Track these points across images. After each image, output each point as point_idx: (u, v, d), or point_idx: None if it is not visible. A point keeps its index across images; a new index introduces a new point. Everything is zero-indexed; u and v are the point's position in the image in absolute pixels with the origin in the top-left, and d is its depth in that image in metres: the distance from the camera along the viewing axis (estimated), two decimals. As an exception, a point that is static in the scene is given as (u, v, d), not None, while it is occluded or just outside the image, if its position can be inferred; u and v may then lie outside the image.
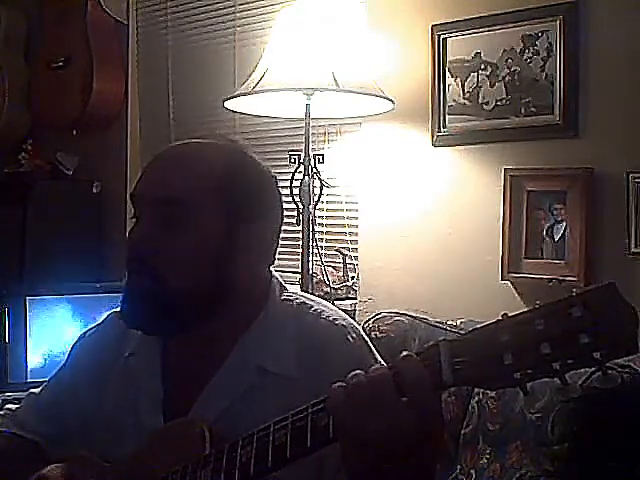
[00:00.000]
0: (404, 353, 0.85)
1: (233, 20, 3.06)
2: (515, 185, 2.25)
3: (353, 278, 2.66)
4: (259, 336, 1.17)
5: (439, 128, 2.42)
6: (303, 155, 2.39)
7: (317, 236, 2.49)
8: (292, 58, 2.26)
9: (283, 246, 2.79)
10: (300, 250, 2.39)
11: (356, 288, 2.65)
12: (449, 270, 2.41)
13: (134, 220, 1.17)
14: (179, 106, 3.30)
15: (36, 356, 2.66)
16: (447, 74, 2.40)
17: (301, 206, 2.38)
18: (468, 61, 2.36)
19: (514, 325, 0.81)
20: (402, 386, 0.83)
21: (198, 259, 1.13)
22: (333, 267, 2.68)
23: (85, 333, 1.36)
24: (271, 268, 1.26)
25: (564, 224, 2.17)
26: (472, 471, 1.85)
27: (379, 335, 2.20)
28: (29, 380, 2.61)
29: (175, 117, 3.31)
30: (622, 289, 0.79)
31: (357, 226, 2.67)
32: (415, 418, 0.82)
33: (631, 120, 2.08)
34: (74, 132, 3.44)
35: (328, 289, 2.59)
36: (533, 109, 2.23)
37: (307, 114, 2.35)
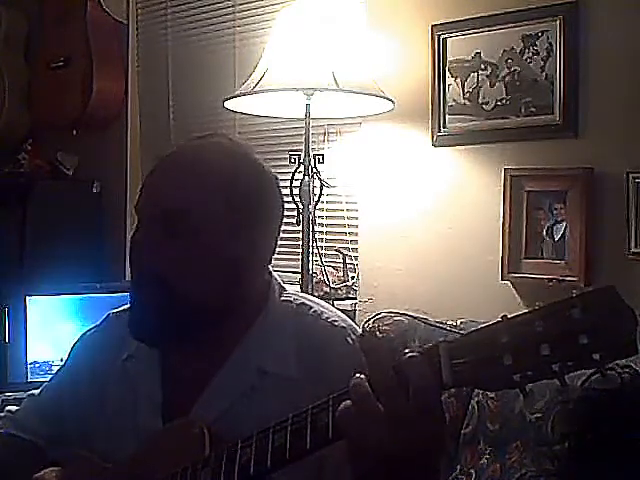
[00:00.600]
0: (409, 353, 0.85)
1: (233, 20, 3.06)
2: (515, 185, 2.25)
3: (353, 278, 2.66)
4: (259, 337, 1.17)
5: (439, 128, 2.42)
6: (303, 155, 2.39)
7: (317, 236, 2.49)
8: (292, 58, 2.27)
9: (283, 246, 2.80)
10: (300, 250, 2.39)
11: (356, 288, 2.65)
12: (449, 270, 2.41)
13: (137, 230, 1.15)
14: (179, 106, 3.30)
15: (36, 356, 2.66)
16: (447, 74, 2.40)
17: (301, 206, 2.38)
18: (468, 61, 2.36)
19: (513, 326, 0.81)
20: (406, 387, 0.83)
21: (209, 268, 1.12)
22: (333, 267, 2.68)
23: (84, 334, 1.36)
24: (270, 269, 1.26)
25: (564, 224, 2.17)
26: (472, 471, 1.85)
27: (379, 335, 2.20)
28: (29, 380, 2.61)
29: (175, 117, 3.32)
30: (622, 289, 0.79)
31: (357, 226, 2.67)
32: (418, 421, 0.82)
33: (631, 120, 2.08)
34: (74, 132, 3.44)
35: (328, 289, 2.60)
36: (533, 109, 2.23)
37: (307, 114, 2.35)
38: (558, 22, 2.16)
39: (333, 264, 2.69)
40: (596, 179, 2.12)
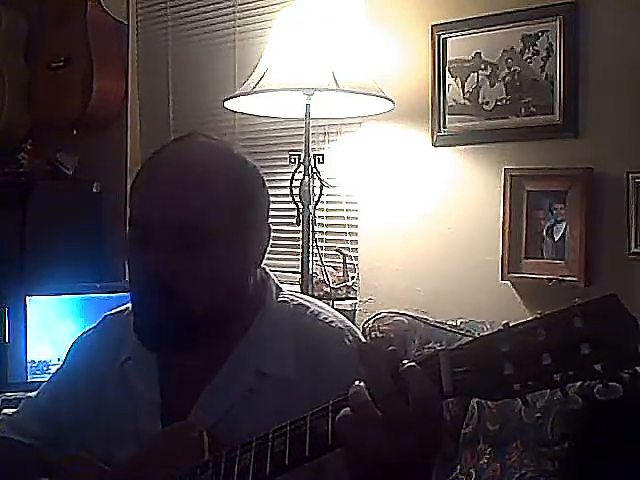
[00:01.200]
0: (407, 364, 0.84)
1: (233, 20, 3.05)
2: (515, 185, 2.25)
3: (353, 278, 2.66)
4: (256, 339, 1.17)
5: (439, 128, 2.42)
6: (303, 155, 2.39)
7: (317, 236, 2.49)
8: (292, 58, 2.26)
9: (283, 246, 2.80)
10: (300, 250, 2.39)
11: (356, 288, 2.65)
12: (449, 270, 2.41)
13: (138, 242, 1.11)
14: (179, 106, 3.30)
15: (36, 356, 2.66)
16: (447, 74, 2.40)
17: (301, 206, 2.38)
18: (468, 61, 2.36)
19: (515, 335, 0.80)
20: (406, 394, 0.82)
21: (221, 275, 1.12)
22: (333, 267, 2.68)
23: (81, 336, 1.35)
24: (267, 269, 1.26)
25: (564, 224, 2.17)
26: (472, 471, 1.85)
27: (379, 335, 2.20)
28: (29, 380, 2.61)
29: (175, 117, 3.31)
30: (622, 289, 0.79)
31: (357, 226, 2.67)
32: (417, 428, 0.81)
33: (631, 120, 2.08)
34: (74, 132, 3.43)
35: (328, 289, 2.59)
36: (533, 109, 2.23)
37: (307, 114, 2.35)
38: (558, 22, 2.16)
39: (333, 264, 2.69)
40: (596, 179, 2.12)
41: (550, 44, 2.18)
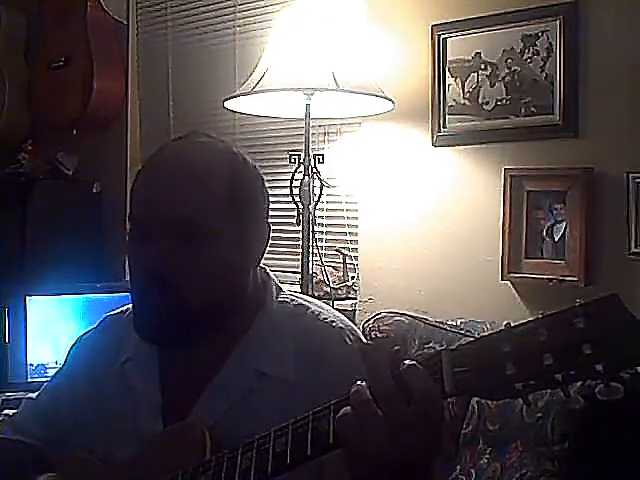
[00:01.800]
0: (408, 363, 0.84)
1: (233, 20, 3.06)
2: (515, 185, 2.25)
3: (353, 278, 2.66)
4: (257, 339, 1.17)
5: (439, 128, 2.42)
6: (303, 155, 2.39)
7: (317, 236, 2.49)
8: (292, 58, 2.26)
9: (283, 246, 2.80)
10: (300, 250, 2.39)
11: (356, 288, 2.65)
12: (449, 270, 2.41)
13: (142, 238, 1.12)
14: (179, 106, 3.30)
15: (36, 356, 2.66)
16: (447, 74, 2.40)
17: (301, 206, 2.38)
18: (468, 61, 2.36)
19: (516, 335, 0.80)
20: (407, 394, 0.82)
21: (220, 272, 1.12)
22: (333, 267, 2.68)
23: (81, 337, 1.36)
24: (268, 269, 1.26)
25: (564, 224, 2.17)
26: (472, 471, 1.85)
27: (379, 335, 2.20)
28: (29, 380, 2.61)
29: (175, 117, 3.31)
30: (622, 289, 0.79)
31: (357, 226, 2.67)
32: (418, 428, 0.82)
33: (631, 120, 2.08)
34: (74, 132, 3.43)
35: (328, 289, 2.59)
36: (533, 109, 2.23)
37: (307, 114, 2.35)
38: (558, 22, 2.16)
39: (333, 264, 2.69)
40: (596, 179, 2.12)
41: (550, 44, 2.18)
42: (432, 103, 2.43)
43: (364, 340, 1.20)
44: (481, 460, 1.84)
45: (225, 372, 1.16)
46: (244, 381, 1.14)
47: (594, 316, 0.77)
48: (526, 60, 2.23)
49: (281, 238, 2.78)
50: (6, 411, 2.27)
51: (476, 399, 1.89)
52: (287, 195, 2.47)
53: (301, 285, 2.37)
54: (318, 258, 2.52)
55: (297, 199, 2.40)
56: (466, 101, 2.37)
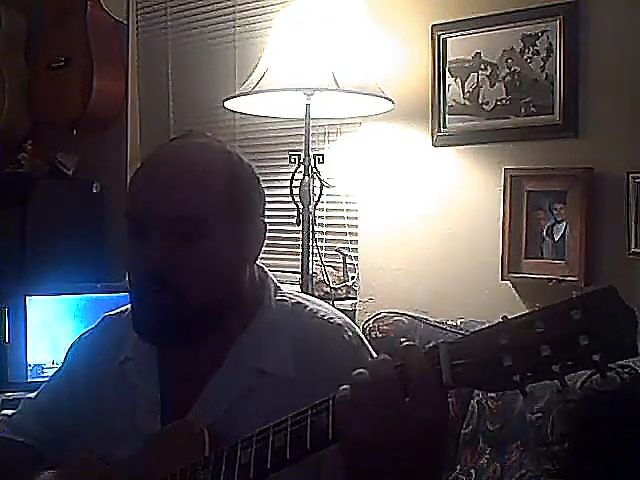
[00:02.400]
0: (405, 343, 0.86)
1: (233, 20, 3.06)
2: (515, 185, 2.25)
3: (353, 278, 2.66)
4: (255, 337, 1.17)
5: (439, 128, 2.42)
6: (303, 155, 2.39)
7: (317, 236, 2.49)
8: (292, 58, 2.26)
9: (283, 246, 2.80)
10: (300, 250, 2.39)
11: (356, 288, 2.65)
12: (449, 270, 2.41)
13: (142, 237, 1.12)
14: (179, 106, 3.30)
15: (36, 356, 2.66)
16: (447, 74, 2.40)
17: (301, 206, 2.38)
18: (468, 61, 2.36)
19: (514, 328, 0.81)
20: (406, 380, 0.83)
21: (216, 269, 1.12)
22: (333, 267, 2.68)
23: (80, 337, 1.36)
24: (266, 268, 1.26)
25: (564, 224, 2.17)
26: (472, 471, 1.85)
27: (379, 335, 2.20)
28: (29, 380, 2.61)
29: (175, 117, 3.32)
30: (622, 289, 0.79)
31: (357, 226, 2.67)
32: (417, 415, 0.82)
33: (631, 120, 2.08)
34: (74, 132, 3.44)
35: (328, 289, 2.59)
36: (533, 109, 2.23)
37: (307, 114, 2.35)
38: (558, 22, 2.16)
39: (333, 264, 2.69)
40: (596, 179, 2.12)
41: (550, 44, 2.18)
42: (432, 103, 2.43)
43: (362, 336, 1.20)
44: (481, 460, 1.84)
45: (224, 371, 1.16)
46: (243, 380, 1.14)
47: (591, 308, 0.78)
48: (526, 60, 2.23)
49: (281, 238, 2.78)
50: (5, 411, 2.27)
51: (476, 399, 1.89)
52: (287, 195, 2.48)
53: (301, 285, 2.37)
54: (318, 258, 2.52)
55: (297, 199, 2.40)
56: (466, 101, 2.37)
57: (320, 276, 2.58)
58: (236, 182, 1.16)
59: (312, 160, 2.39)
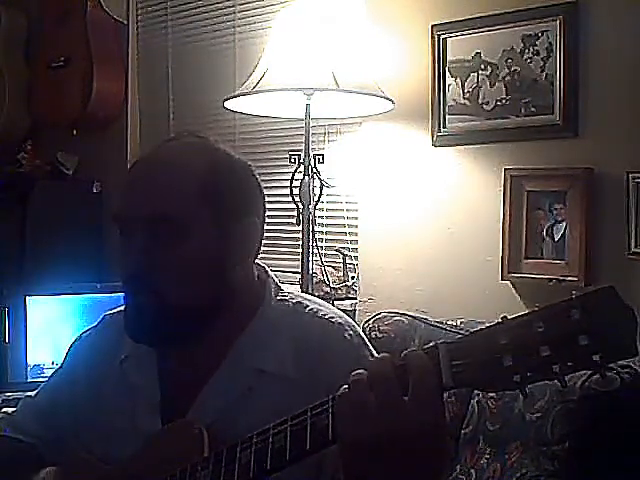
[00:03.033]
0: (410, 350, 0.85)
1: (233, 20, 3.06)
2: (515, 185, 2.25)
3: (353, 278, 2.66)
4: (255, 337, 1.17)
5: (439, 128, 2.42)
6: (303, 155, 2.39)
7: (317, 236, 2.49)
8: (292, 58, 2.26)
9: (283, 246, 2.80)
10: (300, 250, 2.39)
11: (356, 288, 2.65)
12: (449, 270, 2.41)
13: (122, 239, 1.14)
14: (179, 106, 3.30)
15: (36, 356, 2.66)
16: (447, 74, 2.40)
17: (301, 206, 2.38)
18: (468, 61, 2.36)
19: (513, 328, 0.81)
20: (405, 380, 0.83)
21: (196, 269, 1.12)
22: (333, 267, 2.68)
23: (80, 336, 1.36)
24: (267, 268, 1.26)
25: (564, 224, 2.17)
26: (472, 471, 1.85)
27: (379, 335, 2.20)
28: (29, 380, 2.61)
29: (175, 117, 3.32)
30: (622, 289, 0.79)
31: (357, 226, 2.67)
32: (415, 415, 0.82)
33: (631, 120, 2.08)
34: (74, 132, 3.44)
35: (328, 289, 2.59)
36: (533, 109, 2.23)
37: (307, 114, 2.35)
38: (558, 22, 2.16)
39: (333, 264, 2.69)
40: (596, 179, 2.12)
41: (550, 44, 2.18)
42: (432, 103, 2.43)
43: (363, 336, 1.20)
44: (481, 460, 1.84)
45: (224, 370, 1.16)
46: (243, 379, 1.14)
47: (590, 307, 0.78)
48: (526, 60, 2.23)
49: (281, 238, 2.78)
50: (5, 409, 2.27)
51: (476, 399, 1.89)
52: (287, 195, 2.48)
53: (301, 285, 2.37)
54: (318, 258, 2.52)
55: (297, 199, 2.40)
56: (466, 101, 2.37)
57: (320, 276, 2.58)
58: (220, 181, 1.15)
59: (312, 160, 2.39)
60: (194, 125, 3.13)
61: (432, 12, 2.44)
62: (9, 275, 3.08)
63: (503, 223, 2.26)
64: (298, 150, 2.43)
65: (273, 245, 2.76)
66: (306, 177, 2.38)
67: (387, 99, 2.30)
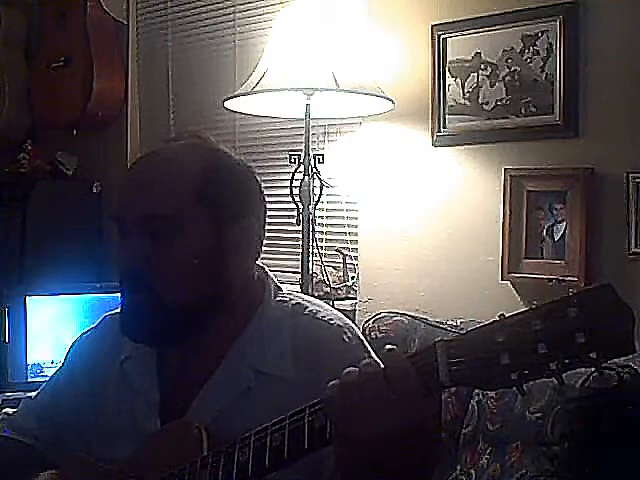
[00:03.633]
0: (387, 347, 0.87)
1: (233, 20, 3.06)
2: (515, 185, 2.25)
3: (353, 278, 2.66)
4: (254, 337, 1.17)
5: (439, 128, 2.42)
6: (303, 155, 2.39)
7: (317, 236, 2.49)
8: (292, 58, 2.26)
9: (283, 246, 2.80)
10: (300, 250, 2.39)
11: (356, 288, 2.65)
12: (449, 270, 2.41)
13: (119, 239, 1.15)
14: (179, 106, 3.30)
15: (36, 356, 2.66)
16: (447, 74, 2.40)
17: (301, 206, 2.38)
18: (468, 61, 2.36)
19: (511, 326, 0.81)
20: (388, 381, 0.84)
21: (193, 268, 1.12)
22: (333, 267, 2.68)
23: (81, 336, 1.36)
24: (267, 269, 1.26)
25: (564, 224, 2.17)
26: (472, 471, 1.85)
27: (379, 335, 2.20)
28: (29, 380, 2.61)
29: (175, 117, 3.32)
30: (622, 289, 0.79)
31: (357, 226, 2.67)
32: (400, 415, 0.83)
33: (631, 120, 2.08)
34: (74, 132, 3.44)
35: (328, 289, 2.59)
36: (533, 109, 2.23)
37: (307, 114, 2.35)
38: (558, 22, 2.16)
39: (333, 264, 2.69)
40: (596, 179, 2.12)
41: (550, 44, 2.18)
42: (432, 103, 2.43)
43: (362, 338, 1.20)
44: (481, 460, 1.84)
45: (222, 370, 1.16)
46: (242, 379, 1.14)
47: (587, 305, 0.78)
48: (526, 60, 2.23)
49: (281, 238, 2.78)
50: (5, 409, 2.27)
51: (476, 399, 1.89)
52: (287, 195, 2.48)
53: (301, 285, 2.37)
54: (318, 258, 2.52)
55: (297, 199, 2.40)
56: (466, 101, 2.37)
57: (320, 276, 2.58)
58: (218, 182, 1.15)
59: (312, 160, 2.39)
60: (194, 125, 3.13)
61: (432, 12, 2.44)
62: (9, 275, 3.08)
63: (503, 223, 2.26)
64: (298, 150, 2.43)
65: (273, 245, 2.76)
66: (306, 177, 2.38)
67: (387, 99, 2.30)
